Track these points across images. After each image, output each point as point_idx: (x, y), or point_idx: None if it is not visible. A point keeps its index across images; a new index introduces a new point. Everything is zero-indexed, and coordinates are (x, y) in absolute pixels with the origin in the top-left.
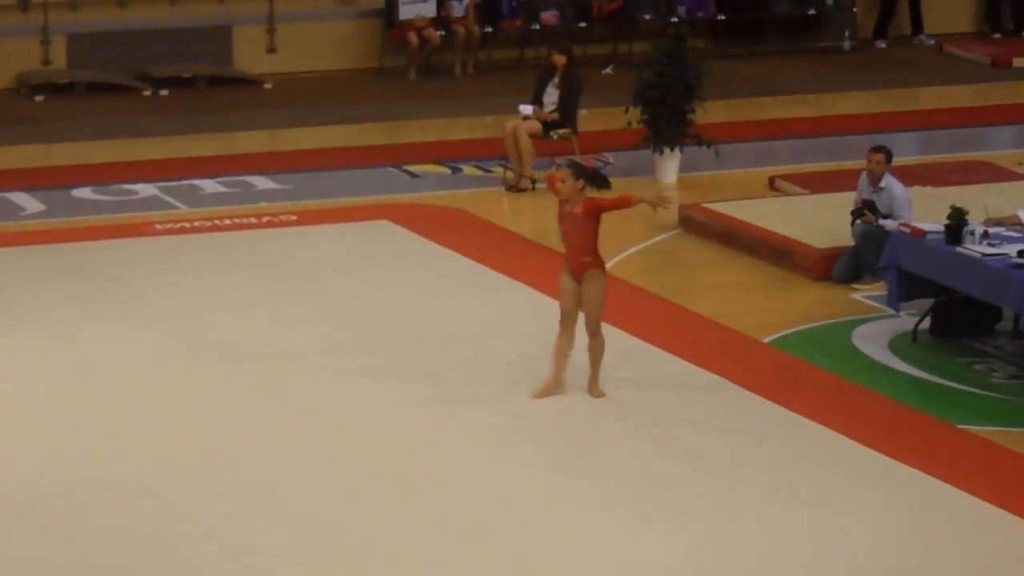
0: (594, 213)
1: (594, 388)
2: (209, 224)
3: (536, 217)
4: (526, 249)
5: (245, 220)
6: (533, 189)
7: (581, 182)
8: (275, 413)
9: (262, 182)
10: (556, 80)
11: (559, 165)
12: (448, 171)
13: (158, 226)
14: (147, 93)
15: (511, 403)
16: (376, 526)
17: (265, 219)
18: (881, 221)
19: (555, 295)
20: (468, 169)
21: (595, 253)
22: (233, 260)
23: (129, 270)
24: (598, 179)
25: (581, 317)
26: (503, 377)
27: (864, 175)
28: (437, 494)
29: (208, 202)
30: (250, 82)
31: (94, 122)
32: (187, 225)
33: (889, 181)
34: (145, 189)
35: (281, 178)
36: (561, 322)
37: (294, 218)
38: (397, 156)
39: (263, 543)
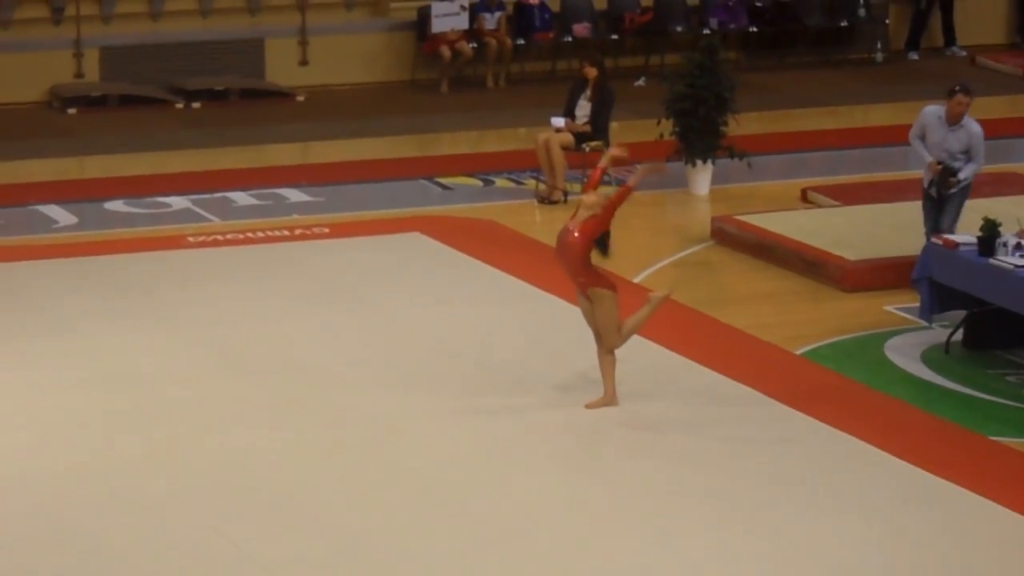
0: (597, 229)
1: (602, 400)
2: (241, 237)
3: None
4: None
5: (277, 233)
6: (565, 201)
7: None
8: (306, 425)
9: (294, 194)
10: (588, 92)
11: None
12: (480, 183)
13: (190, 239)
14: (180, 106)
15: (541, 415)
16: (405, 537)
17: (297, 231)
18: (961, 175)
19: None
20: (500, 181)
21: (587, 271)
22: (265, 273)
23: (161, 283)
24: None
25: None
26: (533, 389)
27: (930, 117)
28: (467, 505)
29: (240, 215)
30: (283, 95)
31: (127, 135)
32: (219, 238)
33: (966, 119)
34: (178, 202)
35: (313, 190)
36: (595, 340)
37: (326, 230)
38: (429, 168)
39: (293, 555)
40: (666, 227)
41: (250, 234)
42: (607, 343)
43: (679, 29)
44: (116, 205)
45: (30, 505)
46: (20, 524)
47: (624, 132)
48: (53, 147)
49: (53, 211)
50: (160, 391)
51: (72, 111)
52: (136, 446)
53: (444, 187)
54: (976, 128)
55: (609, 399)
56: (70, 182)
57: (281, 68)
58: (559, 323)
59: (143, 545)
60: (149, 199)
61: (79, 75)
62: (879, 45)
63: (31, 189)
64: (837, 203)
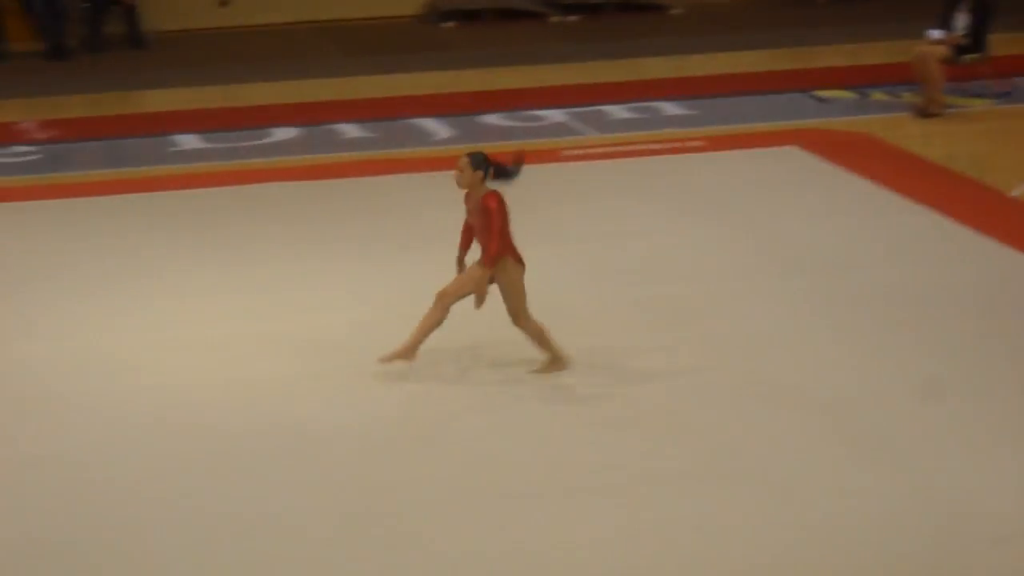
0: (485, 216)
1: (546, 366)
2: (617, 150)
3: (946, 143)
4: (935, 175)
5: (653, 146)
6: (943, 115)
7: (480, 173)
8: (688, 335)
9: (670, 108)
10: (966, 4)
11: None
12: (856, 96)
13: (566, 152)
14: (556, 20)
15: (919, 331)
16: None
17: (673, 145)
18: None
19: (963, 221)
20: (876, 94)
21: (499, 240)
22: (641, 186)
23: (538, 196)
24: (505, 172)
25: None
26: (903, 303)
27: None
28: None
29: (616, 128)
30: (659, 8)
31: (503, 48)
32: (595, 151)
33: None
34: (553, 115)
35: (689, 104)
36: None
37: (701, 144)
38: (805, 81)
39: (672, 468)
40: None
41: (625, 147)
42: (513, 315)
43: None
44: (492, 119)
45: (412, 412)
46: (407, 428)
47: (1003, 44)
48: (430, 61)
49: (430, 124)
50: (534, 303)
51: (449, 25)
52: (509, 356)
53: (820, 100)
54: None
55: (551, 364)
56: (446, 95)
57: None
58: (934, 236)
59: (522, 456)
60: (525, 112)
61: None
62: None
63: (408, 102)
64: None
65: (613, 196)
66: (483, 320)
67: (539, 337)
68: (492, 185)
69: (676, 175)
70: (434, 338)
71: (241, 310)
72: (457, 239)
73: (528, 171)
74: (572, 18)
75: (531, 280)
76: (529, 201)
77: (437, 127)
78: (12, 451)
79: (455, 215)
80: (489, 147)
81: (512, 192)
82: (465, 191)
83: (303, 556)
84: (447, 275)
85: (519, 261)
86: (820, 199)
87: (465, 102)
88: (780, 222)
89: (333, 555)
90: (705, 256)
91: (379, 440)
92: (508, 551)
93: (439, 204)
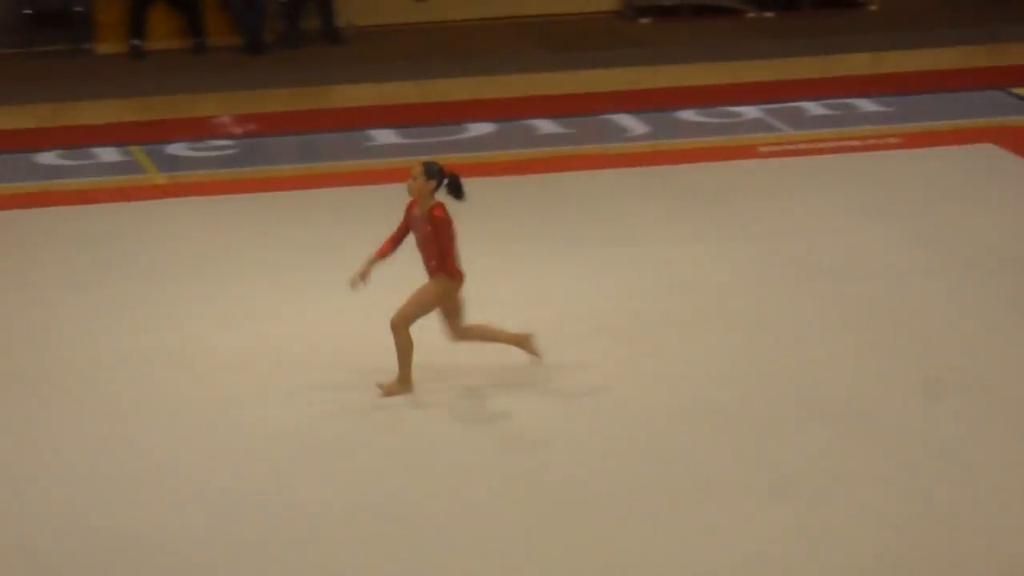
0: (436, 229)
1: (390, 386)
2: (813, 147)
3: None
4: None
5: (848, 143)
6: None
7: (433, 183)
8: (879, 332)
9: (866, 105)
10: None
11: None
12: None
13: (761, 148)
14: (752, 15)
15: None
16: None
17: (868, 142)
18: None
19: None
20: None
21: (442, 259)
22: (836, 183)
23: (733, 192)
24: (454, 188)
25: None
26: None
27: None
28: None
29: (812, 125)
30: (856, 5)
31: (699, 44)
32: (790, 147)
33: None
34: (749, 111)
35: (885, 101)
36: (393, 325)
37: (897, 141)
38: (1003, 78)
39: (862, 467)
40: None
41: (821, 144)
42: (398, 316)
43: None
44: (688, 114)
45: (615, 413)
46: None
47: None
48: (626, 56)
49: (625, 120)
50: (730, 299)
51: (645, 20)
52: (705, 354)
53: (1019, 98)
54: None
55: (397, 385)
56: (642, 91)
57: None
58: None
59: (708, 454)
60: (721, 108)
61: None
62: None
63: (604, 98)
64: None
65: (807, 193)
66: (638, 333)
67: (404, 352)
68: (441, 197)
69: (871, 172)
70: (607, 348)
71: None
72: (657, 236)
73: (723, 167)
74: (769, 14)
75: (724, 274)
76: (723, 197)
77: (632, 123)
78: (204, 441)
79: (653, 209)
80: (681, 143)
81: (708, 188)
82: (412, 199)
83: (486, 550)
84: (660, 270)
85: (454, 276)
86: (1016, 197)
87: (661, 98)
88: (974, 220)
89: (521, 555)
90: (897, 254)
91: (574, 442)
92: (683, 552)
93: (640, 199)
